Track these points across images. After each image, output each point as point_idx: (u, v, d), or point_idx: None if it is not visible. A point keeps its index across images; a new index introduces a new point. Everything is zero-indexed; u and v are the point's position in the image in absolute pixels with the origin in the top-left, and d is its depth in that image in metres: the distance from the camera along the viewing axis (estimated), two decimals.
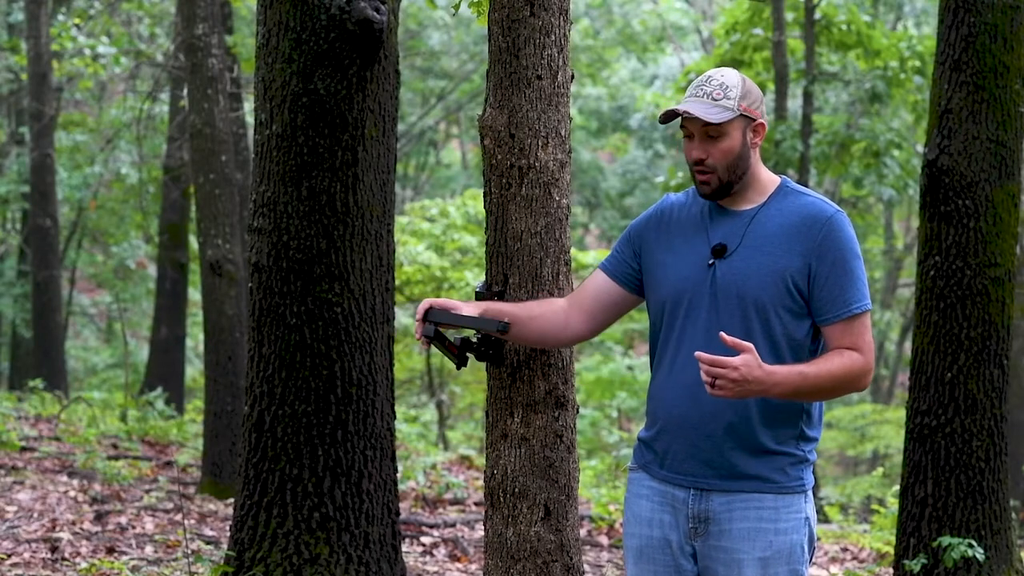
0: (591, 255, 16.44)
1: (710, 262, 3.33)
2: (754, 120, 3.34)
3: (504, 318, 3.49)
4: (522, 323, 3.52)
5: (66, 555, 6.67)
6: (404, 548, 7.49)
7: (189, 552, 6.43)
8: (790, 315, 3.27)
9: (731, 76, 3.34)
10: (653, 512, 3.40)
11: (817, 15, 15.98)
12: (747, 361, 3.11)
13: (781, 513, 3.30)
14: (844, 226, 3.29)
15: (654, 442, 3.40)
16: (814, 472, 3.44)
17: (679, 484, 3.35)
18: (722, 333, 3.15)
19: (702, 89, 3.32)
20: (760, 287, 3.27)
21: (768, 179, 3.40)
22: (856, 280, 3.27)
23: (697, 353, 3.13)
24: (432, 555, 7.54)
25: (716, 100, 3.29)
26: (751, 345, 3.13)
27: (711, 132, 3.30)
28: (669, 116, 3.34)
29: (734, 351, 3.14)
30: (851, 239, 3.29)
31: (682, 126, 3.37)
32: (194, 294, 20.17)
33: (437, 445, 16.07)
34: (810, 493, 3.37)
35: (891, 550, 7.80)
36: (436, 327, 3.48)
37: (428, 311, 3.48)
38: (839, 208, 3.33)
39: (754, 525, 3.29)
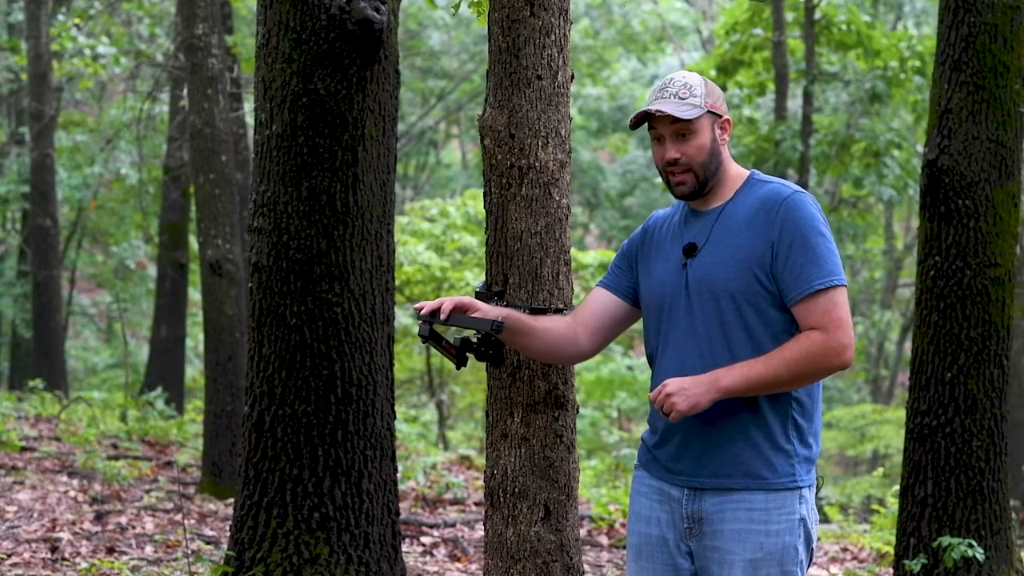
0: (591, 255, 16.43)
1: (683, 263, 3.37)
2: (720, 116, 3.39)
3: (517, 323, 3.46)
4: (536, 334, 3.50)
5: (66, 555, 6.67)
6: (404, 548, 7.49)
7: (189, 552, 6.43)
8: (763, 303, 3.28)
9: (692, 76, 3.39)
10: (651, 510, 3.43)
11: (817, 15, 15.98)
12: (670, 380, 3.25)
13: (772, 514, 3.29)
14: (802, 204, 3.28)
15: (655, 447, 3.44)
16: (817, 473, 3.43)
17: (674, 483, 3.38)
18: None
19: (667, 91, 3.36)
20: (728, 278, 3.29)
21: (737, 175, 3.43)
22: (818, 256, 3.24)
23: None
24: (432, 555, 7.54)
25: (683, 99, 3.33)
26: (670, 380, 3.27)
27: (682, 130, 3.34)
28: (640, 119, 3.37)
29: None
30: (811, 216, 3.27)
31: (651, 128, 3.39)
32: (194, 294, 20.17)
33: (437, 445, 16.06)
34: (807, 493, 3.33)
35: (891, 550, 7.80)
36: (431, 327, 3.46)
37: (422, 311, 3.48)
38: (799, 189, 3.33)
39: (745, 526, 3.29)
